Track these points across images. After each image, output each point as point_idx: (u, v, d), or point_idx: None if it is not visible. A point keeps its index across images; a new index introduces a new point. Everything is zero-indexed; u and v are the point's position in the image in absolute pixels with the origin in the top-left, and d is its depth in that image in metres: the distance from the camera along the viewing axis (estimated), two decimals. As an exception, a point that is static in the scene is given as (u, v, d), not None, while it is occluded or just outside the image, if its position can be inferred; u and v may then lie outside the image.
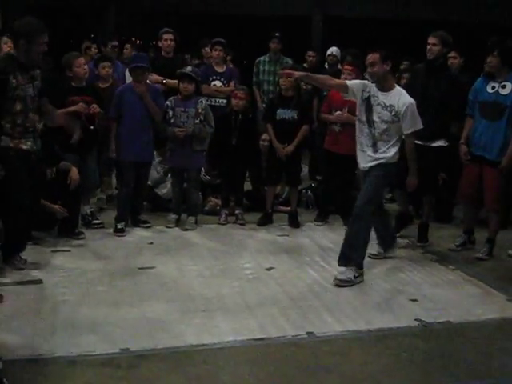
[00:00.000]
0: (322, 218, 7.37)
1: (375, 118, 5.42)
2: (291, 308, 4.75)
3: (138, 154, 6.63)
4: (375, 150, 5.46)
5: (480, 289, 5.36)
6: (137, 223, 6.84)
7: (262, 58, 9.05)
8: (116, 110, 6.69)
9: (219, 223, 7.09)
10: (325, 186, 7.57)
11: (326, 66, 9.35)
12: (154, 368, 3.78)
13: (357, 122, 5.62)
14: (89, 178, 6.55)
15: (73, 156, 6.34)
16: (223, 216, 7.16)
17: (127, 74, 7.47)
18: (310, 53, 9.64)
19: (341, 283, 5.26)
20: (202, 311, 4.64)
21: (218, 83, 7.95)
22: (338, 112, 6.99)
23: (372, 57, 5.36)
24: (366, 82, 5.59)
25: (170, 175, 7.42)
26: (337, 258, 5.74)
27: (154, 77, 7.56)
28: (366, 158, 5.54)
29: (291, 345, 4.17)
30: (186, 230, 6.81)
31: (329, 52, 9.37)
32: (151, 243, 6.30)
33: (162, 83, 7.53)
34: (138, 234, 6.60)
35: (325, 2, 15.51)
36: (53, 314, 4.47)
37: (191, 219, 6.95)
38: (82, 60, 6.50)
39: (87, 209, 6.78)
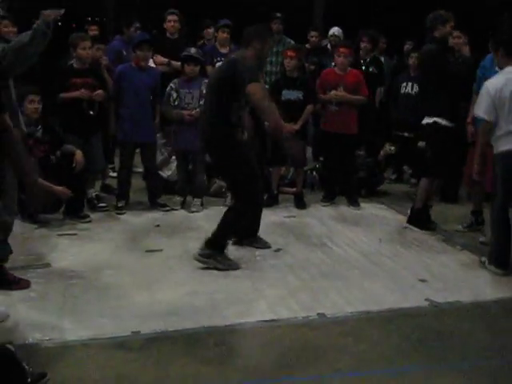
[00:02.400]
0: (328, 198, 7.36)
1: None
2: (301, 289, 4.74)
3: (138, 134, 6.69)
4: None
5: (487, 268, 5.34)
6: (155, 206, 6.87)
7: (263, 39, 8.95)
8: (116, 89, 6.74)
9: (225, 205, 7.05)
10: (328, 167, 7.57)
11: (329, 47, 9.26)
12: (165, 350, 3.77)
13: None
14: (94, 161, 6.52)
15: (76, 138, 6.33)
16: (229, 198, 7.13)
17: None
18: (313, 33, 9.51)
19: None
20: (211, 293, 4.63)
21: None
22: (333, 91, 7.01)
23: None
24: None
25: (174, 157, 7.40)
26: (344, 239, 5.74)
27: (159, 58, 7.52)
28: None
29: (302, 326, 4.16)
30: (192, 212, 6.80)
31: (330, 32, 9.26)
32: (158, 225, 6.29)
33: (167, 65, 7.49)
34: (144, 217, 6.60)
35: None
36: (62, 298, 4.46)
37: (197, 201, 6.94)
38: (87, 43, 6.43)
39: (92, 192, 6.77)
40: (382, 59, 9.18)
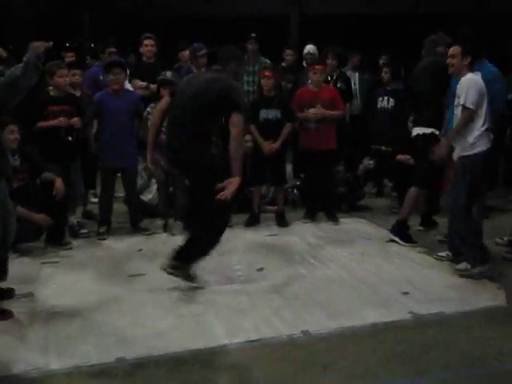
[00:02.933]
0: (309, 215, 7.40)
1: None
2: (284, 307, 4.76)
3: (119, 160, 6.69)
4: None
5: (470, 278, 5.38)
6: (137, 231, 6.87)
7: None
8: (93, 116, 6.77)
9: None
10: (308, 184, 7.62)
11: (304, 64, 9.33)
12: (150, 375, 3.77)
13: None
14: (74, 187, 6.52)
15: (56, 166, 6.32)
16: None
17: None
18: (288, 51, 9.57)
19: None
20: (195, 316, 4.63)
21: None
22: (312, 109, 7.08)
23: (454, 49, 5.50)
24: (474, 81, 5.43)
25: (154, 180, 7.41)
26: (326, 255, 5.79)
27: (137, 83, 7.55)
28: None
29: (287, 344, 4.18)
30: (174, 234, 6.79)
31: (305, 51, 9.34)
32: (140, 250, 6.28)
33: (145, 88, 7.52)
34: (126, 241, 6.58)
35: (301, 0, 15.52)
36: (46, 327, 4.43)
37: (179, 224, 6.94)
38: (64, 71, 6.44)
39: (74, 219, 6.76)
40: (357, 75, 9.29)
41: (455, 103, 5.51)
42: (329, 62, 8.19)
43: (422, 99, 6.51)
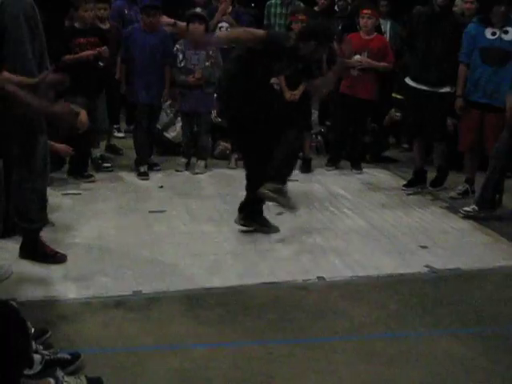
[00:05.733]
0: (333, 163, 7.37)
1: None
2: (301, 253, 4.78)
3: (149, 97, 6.65)
4: None
5: (489, 236, 5.36)
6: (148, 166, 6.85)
7: (272, 1, 8.84)
8: (126, 51, 6.71)
9: (229, 167, 7.08)
10: (336, 130, 7.54)
11: (336, 8, 9.12)
12: (166, 310, 3.82)
13: None
14: (98, 120, 6.51)
15: (81, 98, 6.30)
16: (233, 160, 7.14)
17: None
18: (322, -5, 9.38)
19: None
20: (212, 254, 4.68)
21: (224, 24, 7.83)
22: (357, 56, 6.96)
23: None
24: None
25: (179, 118, 7.39)
26: (346, 204, 5.79)
27: (164, 19, 7.45)
28: None
29: (301, 289, 4.20)
30: (196, 173, 6.82)
31: None
32: (161, 187, 6.31)
33: (172, 25, 7.43)
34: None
35: None
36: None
37: (201, 163, 6.95)
38: (89, 5, 6.36)
39: (97, 152, 6.78)
40: (388, 23, 9.05)
41: None
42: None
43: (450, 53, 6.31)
